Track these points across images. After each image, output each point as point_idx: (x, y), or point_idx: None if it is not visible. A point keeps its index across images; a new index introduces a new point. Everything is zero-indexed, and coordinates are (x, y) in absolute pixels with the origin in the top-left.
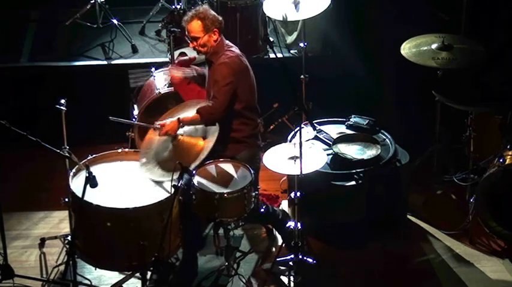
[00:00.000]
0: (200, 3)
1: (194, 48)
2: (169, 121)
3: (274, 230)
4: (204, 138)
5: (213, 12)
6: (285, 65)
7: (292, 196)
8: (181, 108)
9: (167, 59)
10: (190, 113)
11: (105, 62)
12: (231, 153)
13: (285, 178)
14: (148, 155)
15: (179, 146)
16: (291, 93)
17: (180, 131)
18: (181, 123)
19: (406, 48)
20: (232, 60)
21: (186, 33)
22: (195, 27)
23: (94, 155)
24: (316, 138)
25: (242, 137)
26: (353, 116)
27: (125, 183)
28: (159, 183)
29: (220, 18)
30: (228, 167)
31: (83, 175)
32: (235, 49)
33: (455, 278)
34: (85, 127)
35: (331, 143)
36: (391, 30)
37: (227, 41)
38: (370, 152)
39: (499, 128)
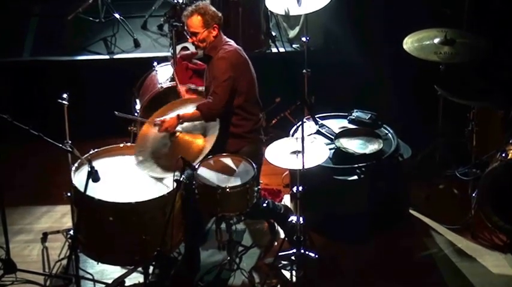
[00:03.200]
0: None
1: (193, 43)
2: (168, 117)
3: (276, 224)
4: (204, 135)
5: (213, 8)
6: (286, 60)
7: (294, 191)
8: (180, 103)
9: (169, 54)
10: (189, 109)
11: (107, 57)
12: (233, 148)
13: (287, 172)
14: (145, 153)
15: (178, 143)
16: (293, 88)
17: (179, 127)
18: (180, 119)
19: (409, 43)
20: (230, 54)
21: (186, 27)
22: (195, 22)
23: (96, 150)
24: (318, 132)
25: (243, 132)
26: (355, 110)
27: (127, 177)
28: (160, 178)
29: (220, 14)
30: (231, 162)
31: (85, 169)
32: (233, 43)
33: (457, 273)
34: (87, 122)
35: (333, 137)
36: (394, 24)
37: (225, 36)
38: (372, 147)
39: (501, 123)
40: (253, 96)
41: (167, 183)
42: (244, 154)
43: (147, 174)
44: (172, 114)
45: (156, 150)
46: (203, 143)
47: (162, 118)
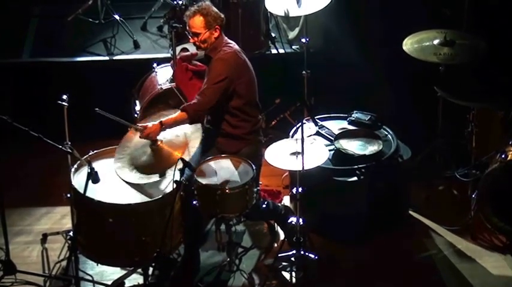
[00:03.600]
0: None
1: (194, 44)
2: (151, 124)
3: (276, 225)
4: (184, 147)
5: (215, 9)
6: (286, 61)
7: (294, 192)
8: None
9: (169, 55)
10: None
11: (107, 58)
12: (232, 150)
13: (286, 173)
14: (124, 158)
15: (157, 152)
16: (293, 89)
17: (161, 136)
18: (163, 126)
19: (408, 44)
20: (229, 56)
21: (187, 28)
22: (197, 23)
23: (96, 151)
24: (318, 133)
25: (242, 133)
26: (355, 111)
27: None
28: (158, 181)
29: (222, 15)
30: (230, 163)
31: (85, 170)
32: (234, 45)
33: (456, 274)
34: (87, 123)
35: (333, 138)
36: (393, 25)
37: (226, 38)
38: (372, 148)
39: (501, 124)
40: (252, 98)
41: (167, 184)
42: (244, 155)
43: (124, 179)
44: (156, 121)
45: (136, 156)
46: (180, 155)
47: (144, 124)
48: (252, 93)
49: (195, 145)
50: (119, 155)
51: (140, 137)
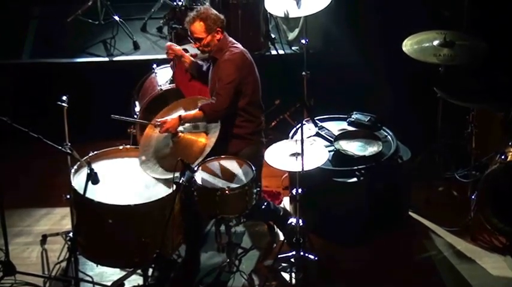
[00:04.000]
0: None
1: (198, 48)
2: (169, 118)
3: (275, 226)
4: (206, 133)
5: (214, 12)
6: (285, 62)
7: (294, 193)
8: (181, 104)
9: None
10: (191, 110)
11: (106, 59)
12: (234, 149)
13: (286, 174)
14: (148, 153)
15: (180, 143)
16: (293, 90)
17: (180, 127)
18: (182, 120)
19: (408, 45)
20: (237, 56)
21: (190, 34)
22: (198, 28)
23: (96, 152)
24: (317, 134)
25: (246, 133)
26: (354, 112)
27: (127, 180)
28: (160, 180)
29: (222, 16)
30: (230, 164)
31: (85, 171)
32: (239, 45)
33: (456, 275)
34: (86, 124)
35: (332, 139)
36: (393, 26)
37: (230, 38)
38: (371, 149)
39: (500, 125)
40: (256, 99)
41: (166, 185)
42: (245, 156)
43: (148, 175)
44: (174, 115)
45: (159, 150)
46: (205, 141)
47: (163, 119)
48: (256, 93)
49: (216, 130)
50: (143, 155)
51: (160, 132)
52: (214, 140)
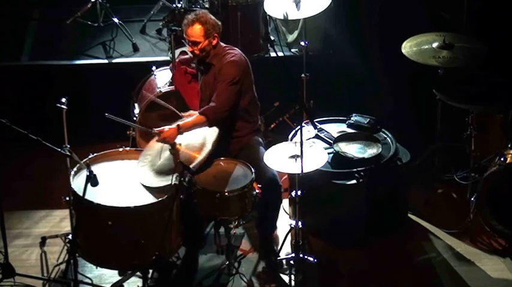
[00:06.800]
0: (201, 1)
1: (192, 52)
2: (167, 128)
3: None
4: (200, 150)
5: (212, 17)
6: (285, 64)
7: (293, 195)
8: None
9: (168, 58)
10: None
11: (106, 61)
12: (234, 149)
13: (286, 176)
14: (146, 162)
15: (176, 156)
16: (292, 92)
17: (179, 140)
18: (180, 129)
19: (407, 47)
20: (239, 58)
21: (185, 36)
22: (196, 31)
23: (95, 154)
24: (317, 137)
25: (246, 133)
26: (354, 114)
27: (126, 182)
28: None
29: (220, 22)
30: (229, 166)
31: (84, 173)
32: (235, 48)
33: (456, 277)
34: (86, 126)
35: (332, 141)
36: (392, 28)
37: (222, 43)
38: (371, 151)
39: (500, 127)
40: (254, 97)
41: (166, 187)
42: (254, 143)
43: (144, 183)
44: (172, 125)
45: (156, 160)
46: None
47: (160, 128)
48: (254, 93)
49: (210, 141)
50: (141, 163)
51: (157, 141)
52: (210, 147)
